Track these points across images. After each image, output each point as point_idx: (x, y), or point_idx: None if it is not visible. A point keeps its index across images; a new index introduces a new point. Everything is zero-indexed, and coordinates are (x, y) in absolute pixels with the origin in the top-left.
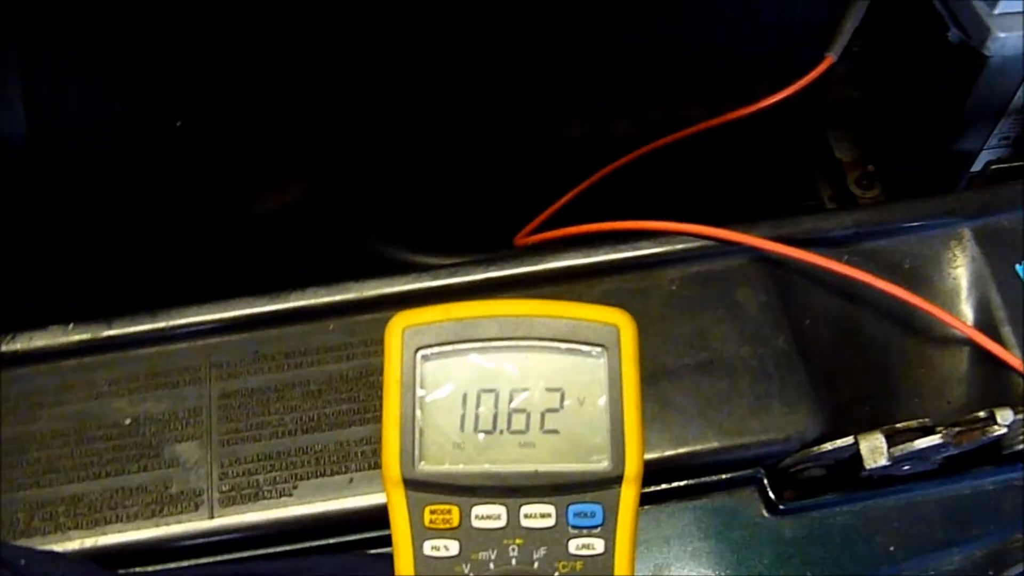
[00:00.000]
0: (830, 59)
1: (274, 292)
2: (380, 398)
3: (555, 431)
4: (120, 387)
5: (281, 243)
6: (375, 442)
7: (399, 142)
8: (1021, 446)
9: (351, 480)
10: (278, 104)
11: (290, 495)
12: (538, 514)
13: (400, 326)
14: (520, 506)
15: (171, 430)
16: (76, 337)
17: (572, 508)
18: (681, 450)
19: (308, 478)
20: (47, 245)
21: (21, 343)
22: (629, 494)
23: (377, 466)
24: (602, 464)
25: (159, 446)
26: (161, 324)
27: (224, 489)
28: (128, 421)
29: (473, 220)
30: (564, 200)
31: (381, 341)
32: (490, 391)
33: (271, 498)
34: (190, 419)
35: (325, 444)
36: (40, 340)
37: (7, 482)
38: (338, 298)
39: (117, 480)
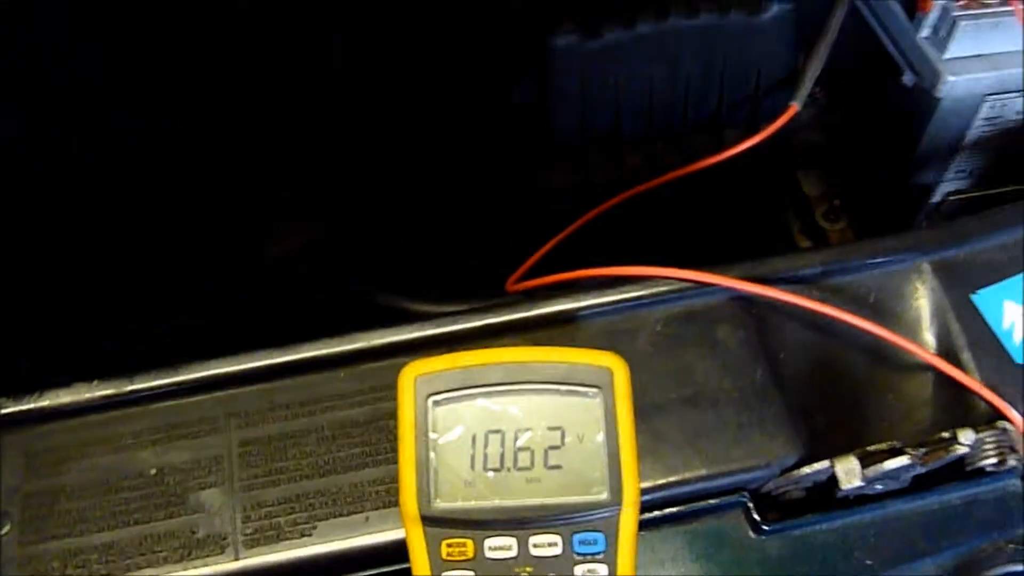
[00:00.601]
0: (794, 107)
1: (287, 344)
2: (391, 441)
3: (558, 466)
4: (144, 439)
5: (284, 291)
6: (388, 482)
7: (394, 193)
8: (983, 463)
9: (367, 519)
10: (279, 156)
11: (310, 535)
12: (546, 543)
13: (412, 375)
14: (529, 537)
15: (195, 478)
16: (100, 393)
17: (576, 537)
18: (672, 478)
19: (326, 518)
20: (60, 302)
21: (48, 400)
22: (628, 521)
23: (391, 504)
24: (602, 495)
25: (184, 494)
26: (181, 378)
27: (248, 532)
28: (153, 471)
29: (466, 268)
30: (550, 245)
31: (389, 387)
32: (497, 432)
33: (292, 539)
34: (212, 467)
35: (341, 486)
36: (66, 397)
37: (41, 533)
38: (347, 348)
39: (146, 527)
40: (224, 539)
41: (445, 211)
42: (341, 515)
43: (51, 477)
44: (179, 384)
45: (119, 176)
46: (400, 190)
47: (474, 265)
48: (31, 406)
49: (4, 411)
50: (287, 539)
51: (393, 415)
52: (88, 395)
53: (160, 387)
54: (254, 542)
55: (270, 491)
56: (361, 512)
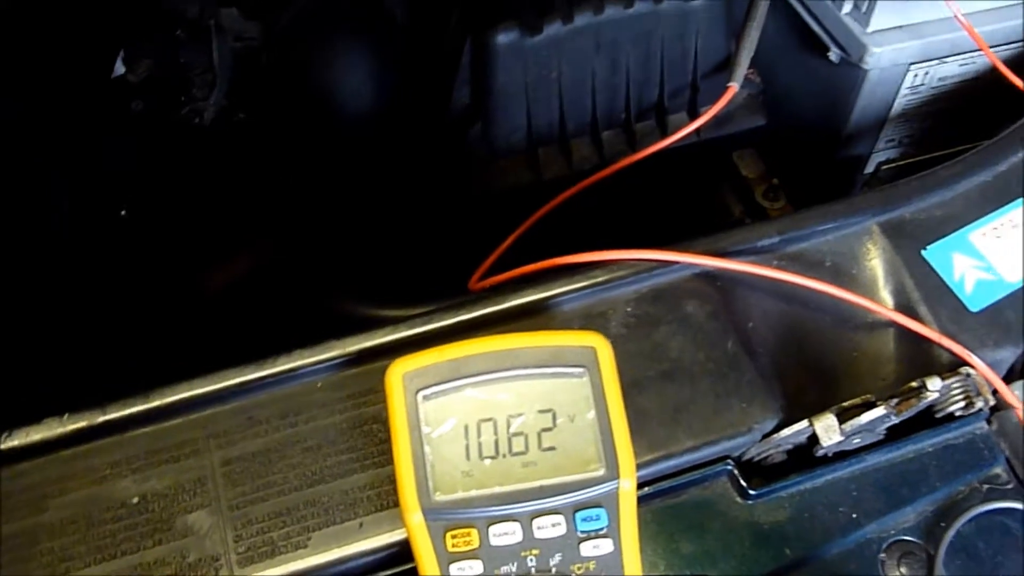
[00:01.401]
0: (733, 88)
1: (260, 359)
2: (377, 445)
3: (552, 448)
4: (122, 468)
5: (246, 311)
6: (378, 486)
7: (339, 206)
8: (951, 407)
9: (361, 525)
10: (221, 182)
11: (305, 547)
12: (549, 524)
13: (399, 372)
14: (532, 520)
15: (179, 503)
16: (72, 426)
17: (579, 515)
18: (658, 453)
19: (320, 528)
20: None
21: (18, 439)
22: (627, 494)
23: (384, 508)
24: (599, 471)
25: (170, 519)
26: (155, 403)
27: (241, 551)
28: (136, 500)
29: (423, 273)
30: (508, 242)
31: (369, 392)
32: (489, 420)
33: (287, 552)
34: (196, 489)
35: (331, 494)
36: (37, 434)
37: None
38: (322, 356)
39: (134, 557)
40: (217, 560)
41: (394, 219)
42: (334, 523)
43: (30, 517)
44: (153, 410)
45: (48, 219)
46: (343, 203)
47: (431, 270)
48: (2, 447)
49: None
50: (282, 553)
51: (376, 419)
52: (60, 430)
53: (134, 415)
54: (248, 560)
55: (259, 507)
56: (355, 519)
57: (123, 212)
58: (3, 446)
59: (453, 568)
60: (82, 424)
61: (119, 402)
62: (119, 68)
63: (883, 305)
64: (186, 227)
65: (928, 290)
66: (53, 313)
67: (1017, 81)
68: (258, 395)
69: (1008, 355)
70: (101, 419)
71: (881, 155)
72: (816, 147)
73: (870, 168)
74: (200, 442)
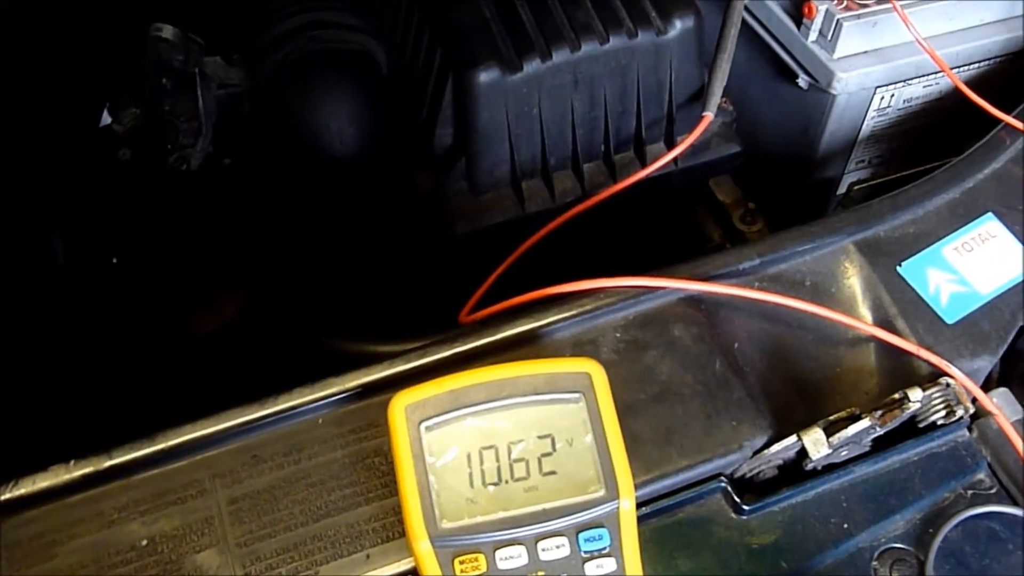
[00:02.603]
0: (708, 117)
1: (261, 399)
2: (379, 478)
3: (553, 472)
4: (130, 512)
5: (237, 351)
6: (383, 517)
7: (322, 248)
8: (933, 417)
9: (367, 556)
10: (209, 226)
11: None
12: (553, 547)
13: (401, 404)
14: (537, 542)
15: (188, 543)
16: (79, 472)
17: (582, 535)
18: (653, 474)
19: (327, 561)
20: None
21: (25, 487)
22: (627, 513)
23: (390, 539)
24: (599, 492)
25: (180, 560)
26: (160, 446)
27: None
28: (145, 542)
29: (411, 311)
30: (495, 275)
31: (369, 426)
32: (490, 447)
33: None
34: (204, 529)
35: (337, 528)
36: (43, 481)
37: None
38: (322, 393)
39: None
40: None
41: (381, 256)
42: (341, 556)
43: (40, 563)
44: (158, 452)
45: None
46: (330, 242)
47: (420, 305)
48: (8, 496)
49: None
50: None
51: (377, 452)
52: (67, 476)
53: (140, 458)
54: None
55: (267, 543)
56: (361, 551)
57: (115, 260)
58: (9, 495)
59: None
60: (88, 469)
61: (124, 446)
62: (106, 118)
63: (863, 321)
64: (176, 270)
65: (905, 305)
66: (47, 357)
67: (977, 100)
68: (261, 434)
69: (985, 364)
70: (107, 464)
71: (853, 175)
72: (790, 170)
73: (843, 188)
74: (206, 482)
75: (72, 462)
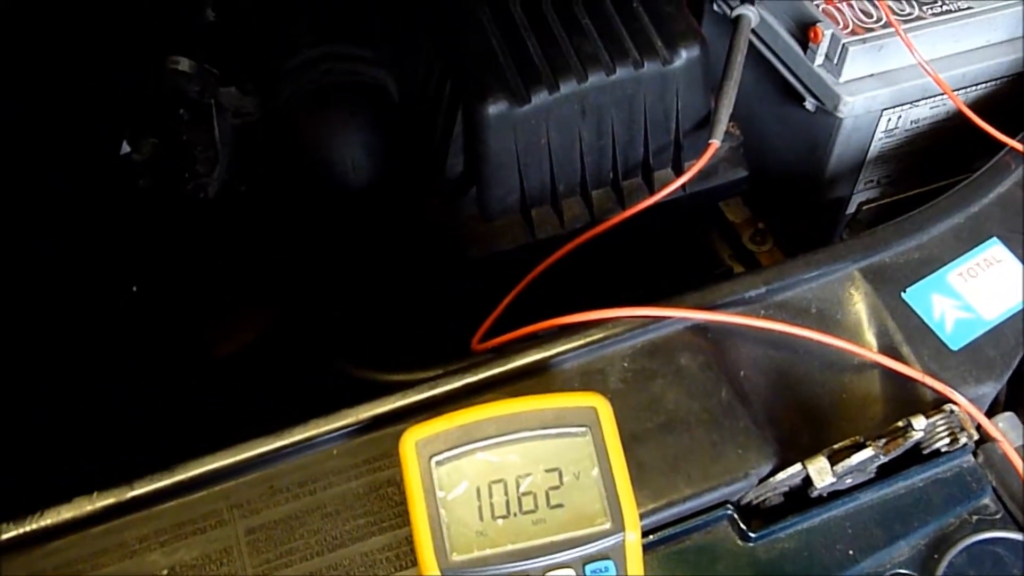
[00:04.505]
0: (714, 144)
1: (278, 430)
2: (392, 508)
3: (560, 505)
4: (151, 542)
5: (253, 377)
6: (396, 547)
7: (339, 273)
8: (937, 444)
9: None
10: (226, 253)
11: None
12: None
13: (412, 439)
14: (545, 574)
15: (207, 572)
16: (101, 503)
17: (588, 568)
18: (660, 502)
19: None
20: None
21: (50, 518)
22: (633, 545)
23: (402, 568)
24: (605, 525)
25: None
26: (179, 477)
27: None
28: (165, 572)
29: (423, 338)
30: (506, 302)
31: (383, 456)
32: (499, 481)
33: None
34: (223, 559)
35: (352, 557)
36: (67, 512)
37: None
38: (336, 424)
39: None
40: None
41: (394, 284)
42: None
43: None
44: (178, 484)
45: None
46: (344, 269)
47: (433, 331)
48: (33, 527)
49: (6, 535)
50: None
51: (391, 482)
52: (90, 507)
53: (160, 489)
54: None
55: (284, 572)
56: None
57: (134, 288)
58: (35, 525)
59: None
60: (111, 501)
61: (145, 478)
62: (125, 148)
63: (868, 348)
64: (194, 295)
65: (910, 331)
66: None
67: (981, 124)
68: (277, 465)
69: (989, 390)
70: (129, 495)
71: (861, 196)
72: (799, 191)
73: (851, 209)
74: (224, 512)
75: (95, 493)
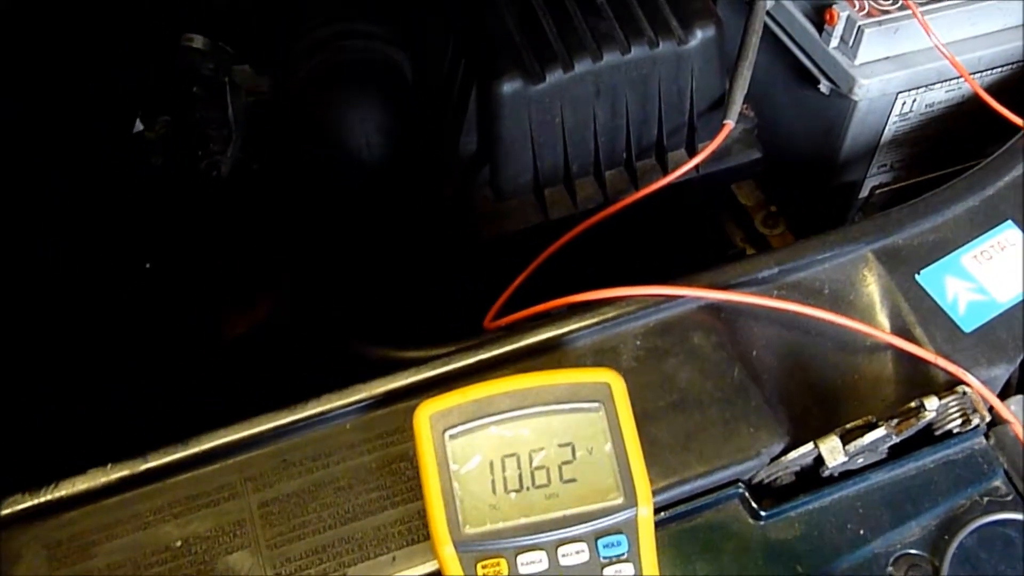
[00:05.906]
0: (728, 125)
1: (292, 404)
2: (405, 482)
3: (573, 479)
4: (165, 514)
5: (266, 355)
6: (408, 521)
7: (351, 251)
8: (949, 425)
9: (394, 558)
10: (239, 231)
11: None
12: (573, 552)
13: (426, 413)
14: (557, 548)
15: (220, 544)
16: (116, 475)
17: (600, 542)
18: (672, 480)
19: (354, 563)
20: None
21: (65, 489)
22: (645, 520)
23: (415, 541)
24: (618, 499)
25: (212, 560)
26: (193, 450)
27: None
28: (179, 543)
29: (436, 316)
30: (518, 281)
31: (396, 431)
32: (512, 455)
33: None
34: (236, 531)
35: (364, 531)
36: (82, 484)
37: None
38: (350, 399)
39: None
40: None
41: (407, 262)
42: (368, 558)
43: (78, 563)
44: (193, 456)
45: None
46: (357, 247)
47: (446, 310)
48: (48, 497)
49: (22, 506)
50: None
51: (403, 457)
52: (104, 479)
53: (174, 462)
54: None
55: (296, 545)
56: (387, 553)
57: (148, 265)
58: (50, 496)
59: None
60: (125, 472)
61: (159, 450)
62: (138, 126)
63: (880, 329)
64: (207, 273)
65: (923, 313)
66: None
67: (997, 107)
68: (291, 438)
69: (1002, 372)
70: (143, 467)
71: (875, 179)
72: (812, 175)
73: (864, 192)
74: (238, 485)
75: (109, 465)
